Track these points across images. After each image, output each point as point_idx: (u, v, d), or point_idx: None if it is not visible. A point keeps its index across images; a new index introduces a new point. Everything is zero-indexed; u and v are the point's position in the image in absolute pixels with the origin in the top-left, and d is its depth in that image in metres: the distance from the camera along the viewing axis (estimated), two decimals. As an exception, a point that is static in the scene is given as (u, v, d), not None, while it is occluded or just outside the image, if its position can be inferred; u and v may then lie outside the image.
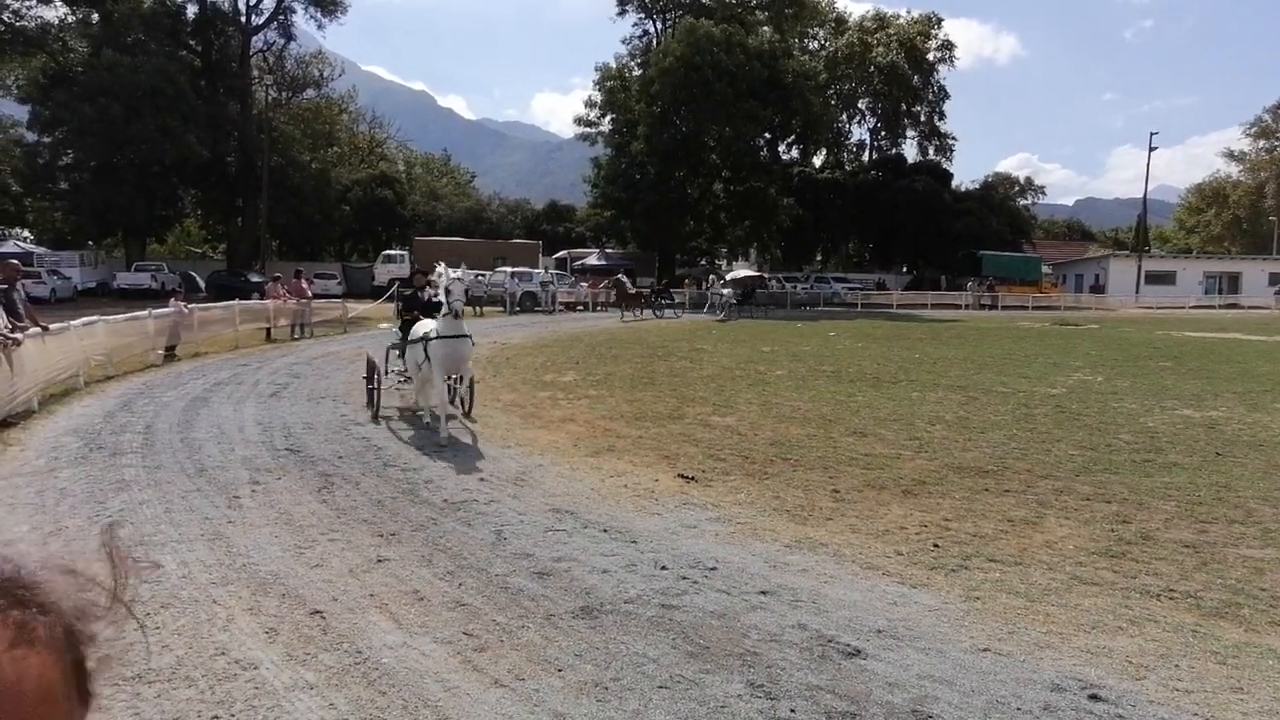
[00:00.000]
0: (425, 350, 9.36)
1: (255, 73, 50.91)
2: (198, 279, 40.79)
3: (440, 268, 9.61)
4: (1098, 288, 57.93)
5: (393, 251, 49.92)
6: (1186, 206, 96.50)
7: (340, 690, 3.67)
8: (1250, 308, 50.02)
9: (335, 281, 44.15)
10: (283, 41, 51.46)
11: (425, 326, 9.69)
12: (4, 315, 9.98)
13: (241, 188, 48.24)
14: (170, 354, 16.29)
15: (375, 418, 10.32)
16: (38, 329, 11.02)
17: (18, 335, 10.02)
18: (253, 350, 18.70)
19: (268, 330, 21.29)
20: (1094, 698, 3.69)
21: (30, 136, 44.95)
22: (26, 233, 51.28)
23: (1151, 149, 56.62)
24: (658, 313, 33.36)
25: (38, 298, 26.16)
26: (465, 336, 9.31)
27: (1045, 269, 59.75)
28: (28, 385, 10.30)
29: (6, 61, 44.31)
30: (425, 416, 10.18)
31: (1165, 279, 58.36)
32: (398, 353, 11.11)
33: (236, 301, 21.21)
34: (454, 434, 9.36)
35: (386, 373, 10.97)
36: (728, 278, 41.32)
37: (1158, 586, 5.03)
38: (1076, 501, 6.87)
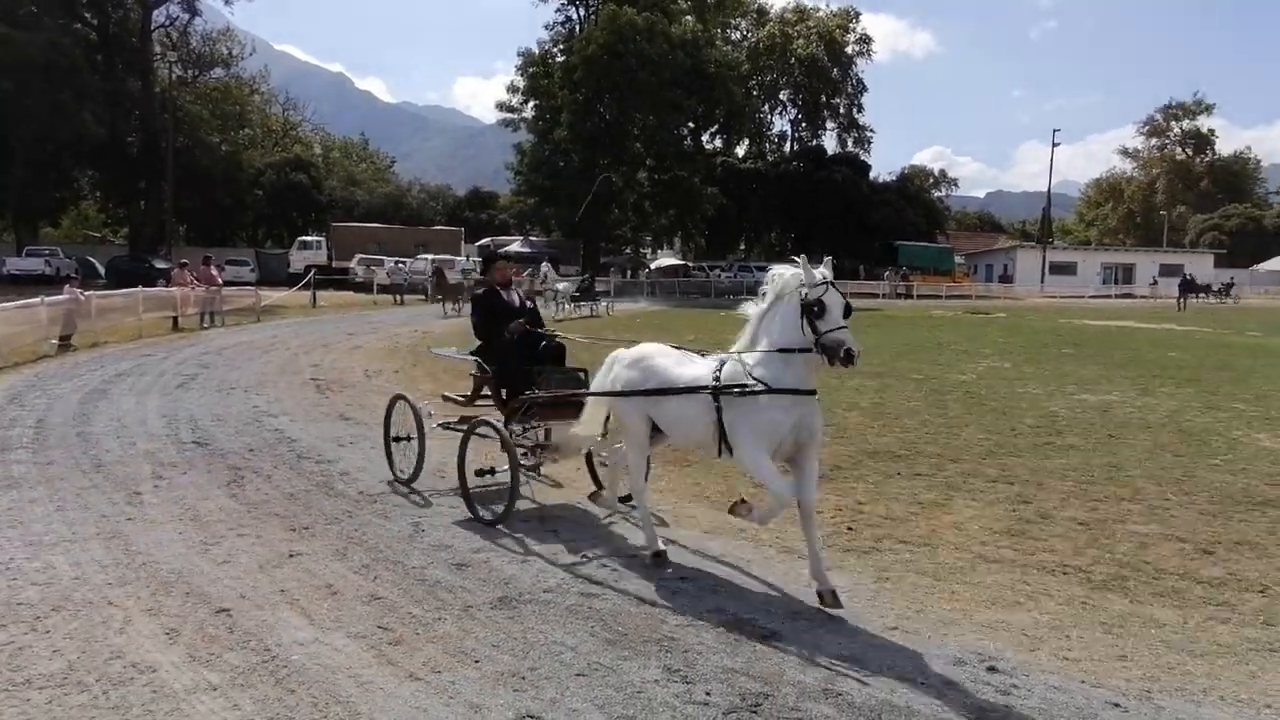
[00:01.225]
0: (718, 409, 4.80)
1: (157, 49, 48.52)
2: (97, 265, 38.78)
3: (795, 267, 4.67)
4: (1006, 277, 60.28)
5: (309, 238, 48.47)
6: (1086, 200, 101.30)
7: (246, 690, 3.56)
8: (1142, 297, 52.78)
9: (248, 268, 42.61)
10: (187, 17, 49.22)
11: (690, 368, 5.18)
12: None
13: (144, 169, 46.04)
14: (65, 344, 15.49)
15: (503, 518, 5.83)
16: (-84, 318, 10.32)
17: (-107, 324, 9.37)
18: (158, 340, 17.92)
19: (174, 319, 20.43)
20: (992, 669, 3.86)
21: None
22: (-95, 215, 47.86)
23: (1055, 145, 59.22)
24: None
25: (-83, 284, 24.48)
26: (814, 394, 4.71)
27: (958, 259, 61.88)
28: (-95, 378, 9.65)
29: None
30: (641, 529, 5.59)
31: (1067, 269, 61.17)
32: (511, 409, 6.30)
33: (139, 289, 20.28)
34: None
35: (510, 431, 6.10)
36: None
37: (1053, 562, 5.29)
38: (983, 484, 7.15)
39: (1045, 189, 64.61)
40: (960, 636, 4.24)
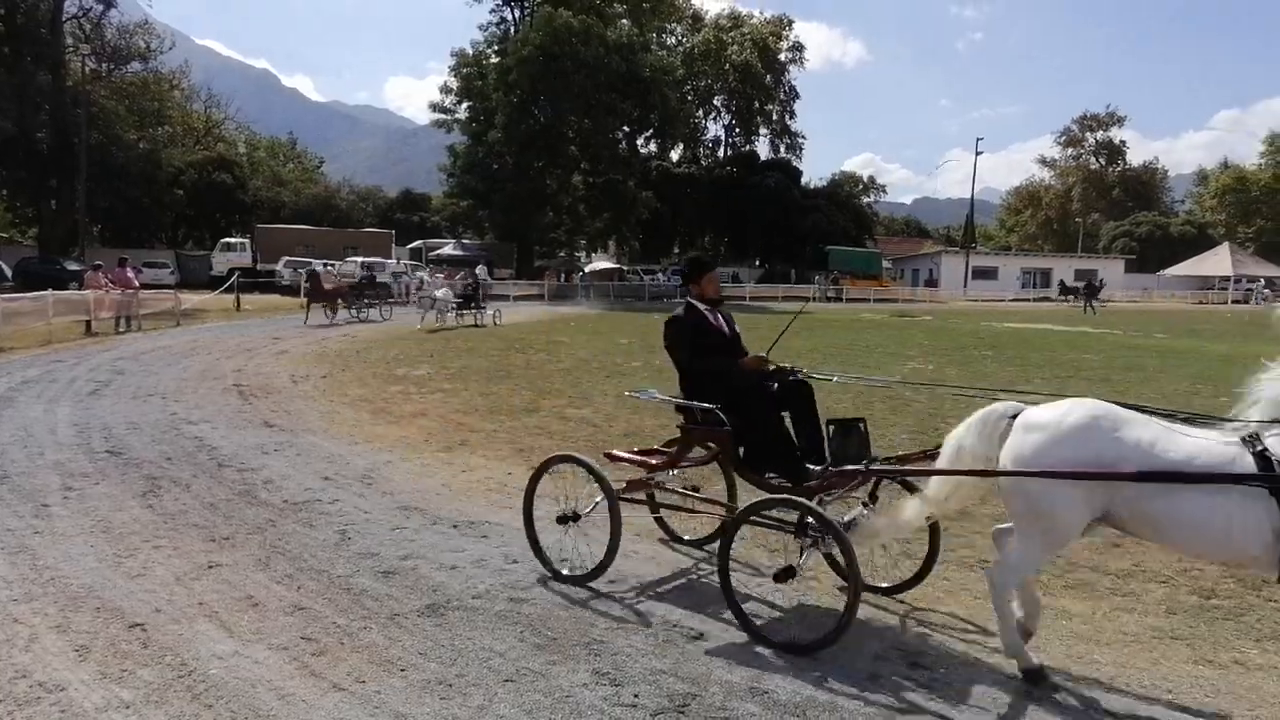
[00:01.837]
0: None
1: (69, 41, 46.41)
2: (3, 267, 36.90)
3: None
4: (931, 281, 62.02)
5: (232, 239, 46.96)
6: (1007, 207, 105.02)
7: (160, 707, 3.44)
8: (1054, 300, 54.84)
9: (168, 271, 41.23)
10: (100, 8, 47.13)
11: (1194, 442, 3.51)
12: None
13: (55, 167, 43.96)
14: (-32, 349, 14.71)
15: (821, 643, 4.01)
16: None
17: None
18: (69, 345, 17.15)
19: (88, 323, 19.60)
20: (913, 665, 3.97)
21: None
22: None
23: (978, 153, 61.04)
24: (359, 313, 26.22)
25: None
26: None
27: (886, 264, 63.45)
28: None
29: None
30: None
31: (989, 274, 63.30)
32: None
33: (49, 292, 19.38)
34: None
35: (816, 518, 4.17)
36: (478, 272, 30.32)
37: (972, 558, 5.47)
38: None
39: (969, 196, 66.75)
40: (884, 633, 4.35)
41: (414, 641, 4.10)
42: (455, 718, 3.41)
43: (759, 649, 4.08)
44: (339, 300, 25.53)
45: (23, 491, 6.59)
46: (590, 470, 4.99)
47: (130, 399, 10.99)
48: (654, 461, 5.16)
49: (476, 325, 24.10)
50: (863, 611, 4.57)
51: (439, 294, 24.23)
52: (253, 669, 3.79)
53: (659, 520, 5.80)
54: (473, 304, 25.14)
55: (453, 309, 24.33)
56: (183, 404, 10.72)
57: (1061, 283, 53.74)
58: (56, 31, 44.78)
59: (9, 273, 35.69)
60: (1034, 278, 64.82)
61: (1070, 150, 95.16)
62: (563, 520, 5.11)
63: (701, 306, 5.17)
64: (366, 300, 26.93)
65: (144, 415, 9.87)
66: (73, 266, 34.90)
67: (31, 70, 43.11)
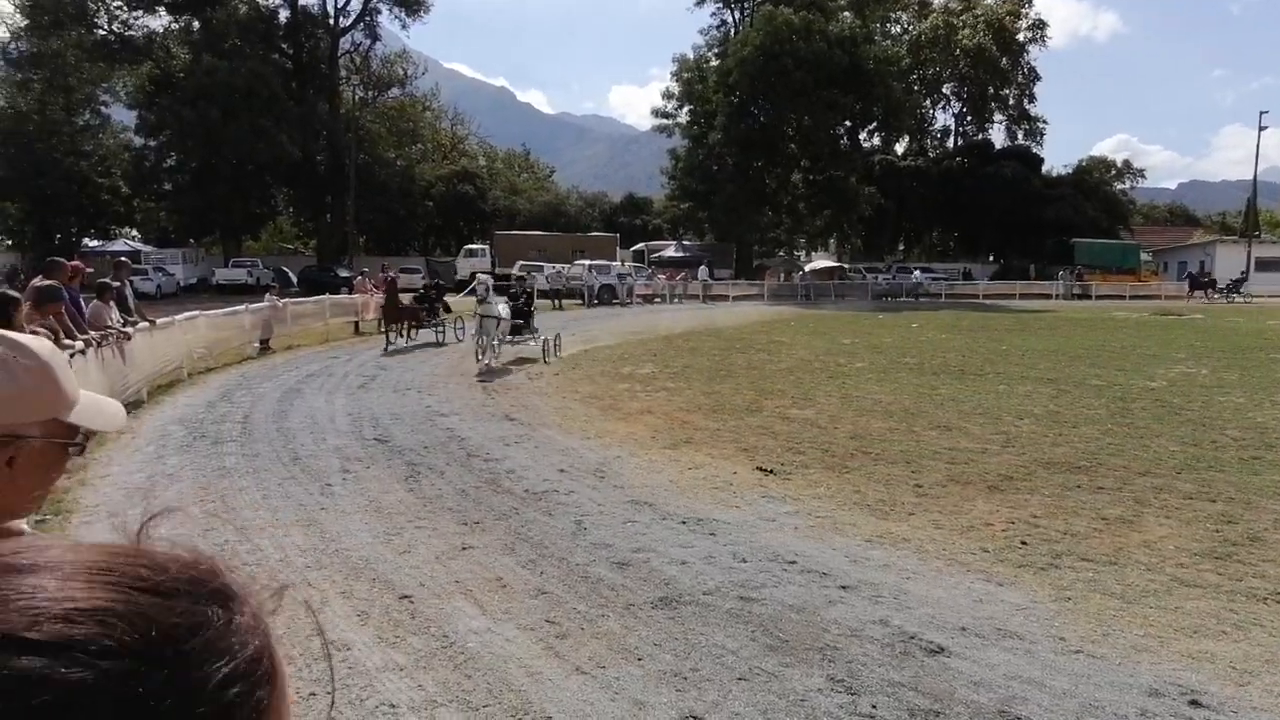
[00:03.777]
0: None
1: (343, 73, 52.66)
2: (290, 274, 42.44)
3: None
4: (1203, 275, 54.84)
5: (474, 246, 50.90)
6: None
7: (428, 673, 3.80)
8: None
9: (419, 276, 45.43)
10: (369, 42, 53.05)
11: None
12: (116, 311, 10.61)
13: (330, 185, 50.01)
14: (264, 347, 17.03)
15: None
16: (146, 323, 11.69)
17: (128, 330, 10.64)
18: (342, 343, 19.36)
19: (356, 324, 22.02)
20: (1194, 703, 3.54)
21: (138, 140, 47.65)
22: (135, 232, 54.27)
23: (1261, 128, 53.18)
24: (438, 333, 19.71)
25: (145, 293, 27.70)
26: None
27: (1144, 256, 56.91)
28: (137, 377, 10.94)
29: (117, 70, 46.94)
30: None
31: (1278, 266, 54.82)
32: None
33: (326, 296, 22.00)
34: None
35: None
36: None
37: (1265, 589, 4.78)
38: (1177, 500, 6.56)
39: (1250, 177, 58.42)
40: (1155, 665, 3.91)
41: (649, 632, 4.23)
42: (691, 710, 3.48)
43: (1008, 670, 3.81)
44: (416, 319, 19.67)
45: (311, 471, 7.53)
46: None
47: (392, 392, 12.22)
48: None
49: (544, 360, 15.79)
50: (1137, 638, 4.15)
51: (500, 311, 15.34)
52: (504, 646, 4.08)
53: None
54: (526, 326, 16.69)
55: (501, 335, 15.41)
56: (435, 397, 11.76)
57: (1190, 275, 47.00)
58: (333, 66, 50.99)
59: (294, 279, 41.03)
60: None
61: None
62: None
63: None
64: (436, 320, 20.04)
65: (404, 407, 10.94)
66: (343, 273, 39.46)
67: (313, 102, 49.34)
